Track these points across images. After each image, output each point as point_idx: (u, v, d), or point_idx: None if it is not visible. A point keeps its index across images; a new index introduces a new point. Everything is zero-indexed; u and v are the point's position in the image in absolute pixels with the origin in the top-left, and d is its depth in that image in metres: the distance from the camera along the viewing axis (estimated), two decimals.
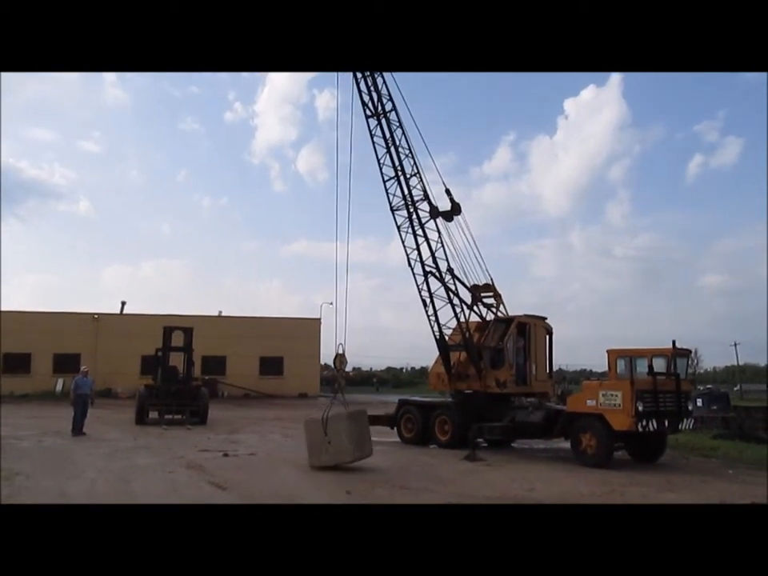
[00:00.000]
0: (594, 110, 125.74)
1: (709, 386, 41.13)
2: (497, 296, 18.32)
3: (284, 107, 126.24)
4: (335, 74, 17.72)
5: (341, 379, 14.31)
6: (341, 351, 14.17)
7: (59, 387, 36.41)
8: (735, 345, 77.45)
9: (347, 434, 12.09)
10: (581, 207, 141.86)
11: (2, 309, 38.46)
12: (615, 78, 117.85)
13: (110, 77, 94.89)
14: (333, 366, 15.43)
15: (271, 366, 42.66)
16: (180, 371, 23.07)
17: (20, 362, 38.45)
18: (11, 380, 36.56)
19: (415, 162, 17.69)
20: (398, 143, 17.54)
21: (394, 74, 17.52)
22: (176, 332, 23.44)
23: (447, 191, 18.27)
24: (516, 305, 18.78)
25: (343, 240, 16.13)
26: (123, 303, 43.28)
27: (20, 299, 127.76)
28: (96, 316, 40.84)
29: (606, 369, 15.47)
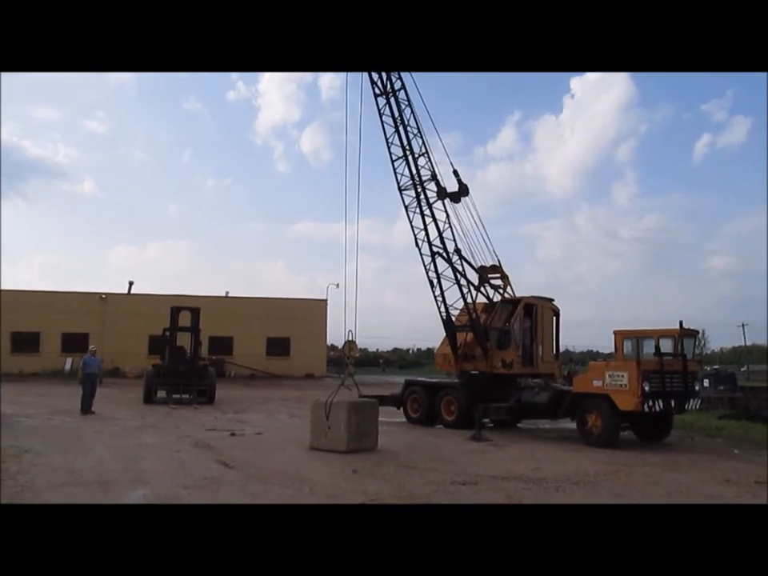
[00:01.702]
0: (601, 89, 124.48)
1: (716, 367, 41.11)
2: (504, 277, 18.29)
3: (287, 87, 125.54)
4: None
5: (351, 366, 14.23)
6: (350, 338, 14.11)
7: (68, 366, 36.70)
8: (743, 326, 77.40)
9: (346, 423, 11.99)
10: (587, 188, 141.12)
11: (11, 288, 38.80)
12: None
13: None
14: (342, 351, 15.35)
15: (278, 346, 42.88)
16: (187, 351, 23.20)
17: (29, 340, 38.80)
18: (20, 359, 36.92)
19: (423, 142, 17.59)
20: (406, 122, 17.41)
21: None
22: (183, 312, 23.51)
23: (455, 172, 18.18)
24: (522, 286, 18.79)
25: (352, 221, 16.10)
26: (131, 283, 43.51)
27: (27, 278, 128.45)
28: (104, 296, 41.05)
29: (613, 350, 15.47)
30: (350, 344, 14.11)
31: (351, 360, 14.27)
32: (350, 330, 14.05)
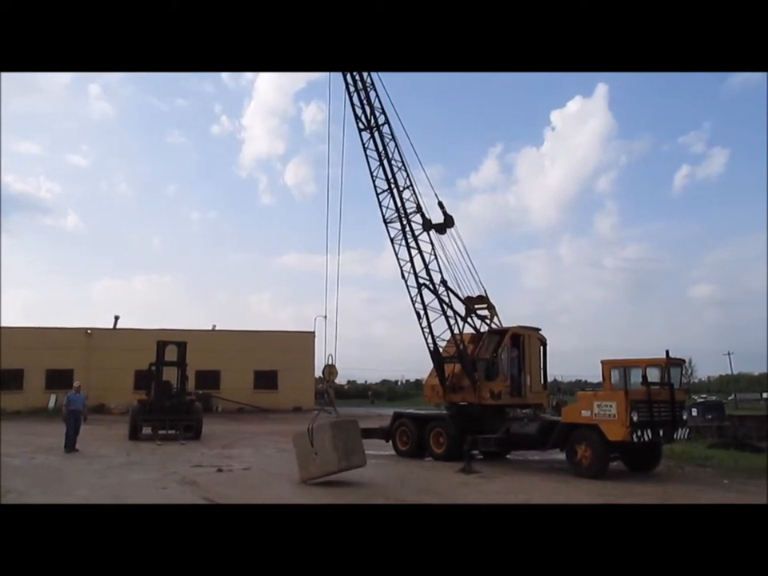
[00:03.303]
0: (581, 121, 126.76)
1: (703, 396, 41.21)
2: (490, 307, 18.33)
3: (271, 120, 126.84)
4: (324, 87, 17.90)
5: (330, 390, 14.26)
6: (330, 362, 14.15)
7: (52, 403, 36.10)
8: (729, 354, 77.73)
9: (332, 443, 11.99)
10: (569, 218, 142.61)
11: None
12: (601, 89, 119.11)
13: (95, 90, 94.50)
14: (322, 375, 15.41)
15: (265, 379, 42.48)
16: (174, 386, 22.94)
17: (12, 377, 38.13)
18: (3, 396, 36.20)
19: (408, 175, 17.77)
20: (390, 156, 17.59)
21: (386, 88, 17.63)
22: (169, 346, 23.29)
23: (440, 204, 18.32)
24: (509, 316, 18.81)
25: (334, 253, 16.21)
26: (116, 318, 43.15)
27: (11, 314, 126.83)
28: (89, 331, 40.64)
29: (601, 379, 15.48)
30: (329, 368, 14.13)
31: (330, 384, 14.29)
32: (330, 354, 14.12)
